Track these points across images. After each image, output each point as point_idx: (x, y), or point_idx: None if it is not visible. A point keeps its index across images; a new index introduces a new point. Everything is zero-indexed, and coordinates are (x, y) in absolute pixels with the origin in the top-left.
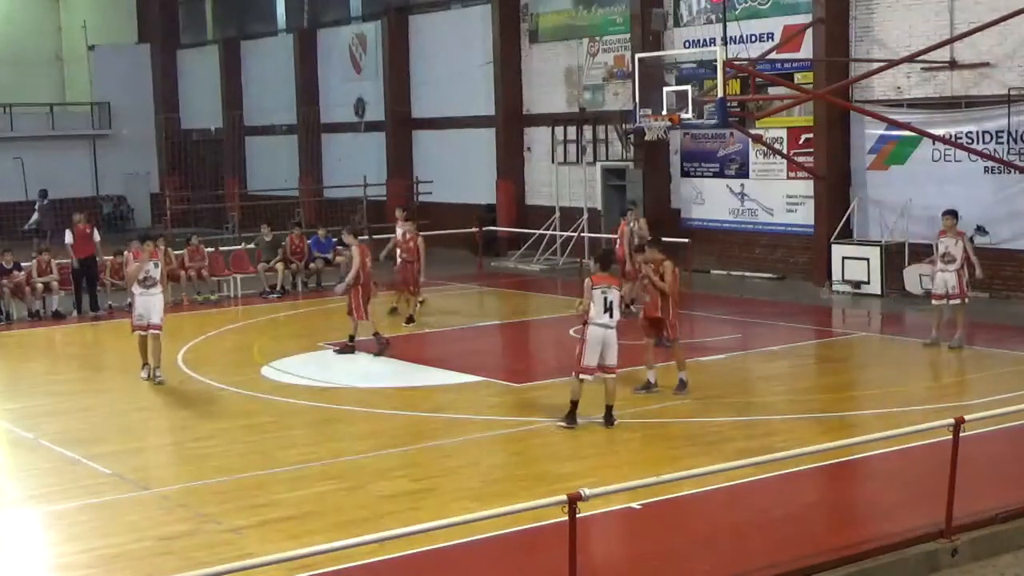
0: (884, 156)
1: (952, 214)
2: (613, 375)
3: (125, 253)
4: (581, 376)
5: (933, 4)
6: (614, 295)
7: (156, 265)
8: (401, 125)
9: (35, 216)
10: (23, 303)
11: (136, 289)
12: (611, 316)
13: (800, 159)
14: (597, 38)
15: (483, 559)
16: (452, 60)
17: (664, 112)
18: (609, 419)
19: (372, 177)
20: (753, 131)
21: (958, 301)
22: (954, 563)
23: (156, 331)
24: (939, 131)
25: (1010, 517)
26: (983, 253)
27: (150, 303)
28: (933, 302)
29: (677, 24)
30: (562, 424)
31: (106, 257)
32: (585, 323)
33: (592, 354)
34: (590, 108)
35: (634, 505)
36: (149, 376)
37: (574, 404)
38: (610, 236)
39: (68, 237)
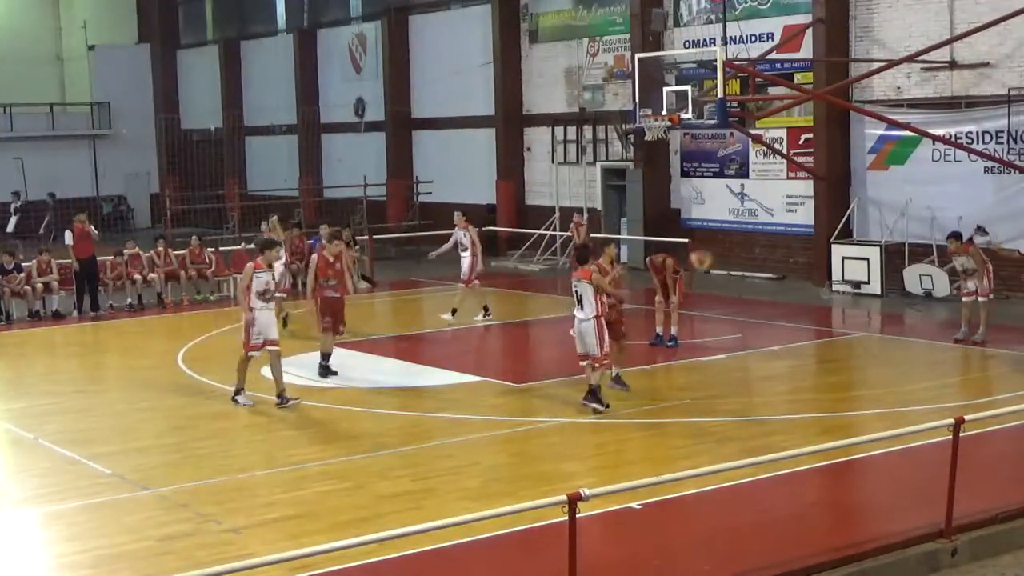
0: (884, 156)
1: (956, 236)
2: (586, 362)
3: (122, 253)
4: (581, 363)
5: (933, 4)
6: (583, 287)
7: (275, 276)
8: (401, 125)
9: (14, 219)
10: (23, 303)
11: (256, 303)
12: (580, 308)
13: (800, 159)
14: (597, 38)
15: (483, 559)
16: (452, 60)
17: (664, 112)
18: (595, 399)
19: (372, 177)
20: (753, 131)
21: (984, 299)
22: (954, 563)
23: (277, 347)
24: (939, 131)
25: (1010, 517)
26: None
27: (270, 319)
28: (963, 299)
29: (677, 24)
30: (596, 407)
31: (105, 257)
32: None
33: (578, 344)
34: (590, 108)
35: (634, 505)
36: (237, 399)
37: (591, 387)
38: (610, 236)
39: (68, 238)
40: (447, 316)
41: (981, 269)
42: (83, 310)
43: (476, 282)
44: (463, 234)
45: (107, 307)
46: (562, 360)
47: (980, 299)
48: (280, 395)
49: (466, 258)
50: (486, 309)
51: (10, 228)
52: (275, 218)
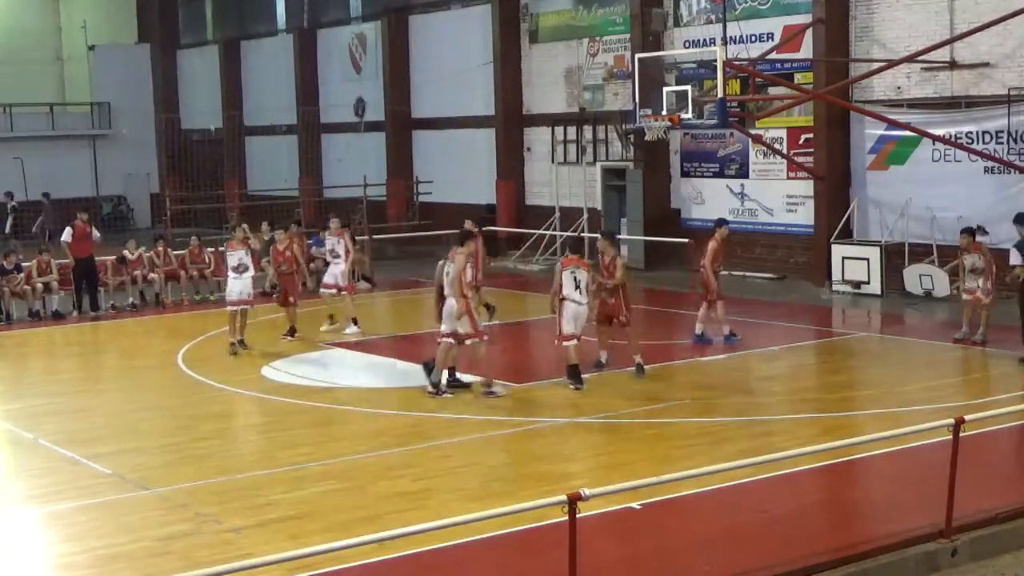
0: (884, 156)
1: (969, 232)
2: (574, 343)
3: (125, 260)
4: (565, 343)
5: (933, 4)
6: (582, 275)
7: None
8: (401, 125)
9: (10, 219)
10: (23, 303)
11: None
12: (581, 293)
13: (800, 159)
14: (597, 38)
15: (483, 559)
16: (452, 60)
17: (664, 112)
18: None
19: (372, 177)
20: (753, 131)
21: (986, 299)
22: (954, 563)
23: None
24: (939, 131)
25: (1010, 517)
26: None
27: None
28: (964, 297)
29: (677, 24)
30: (572, 386)
31: (106, 258)
32: (561, 300)
33: (569, 325)
34: (590, 108)
35: (634, 505)
36: (494, 391)
37: (574, 367)
38: (616, 237)
39: (66, 235)
40: (326, 327)
41: (988, 269)
42: (83, 310)
43: (349, 291)
44: (337, 241)
45: (107, 307)
46: (562, 360)
47: (982, 299)
48: (436, 385)
49: (338, 265)
50: (355, 320)
51: (7, 229)
52: (245, 226)
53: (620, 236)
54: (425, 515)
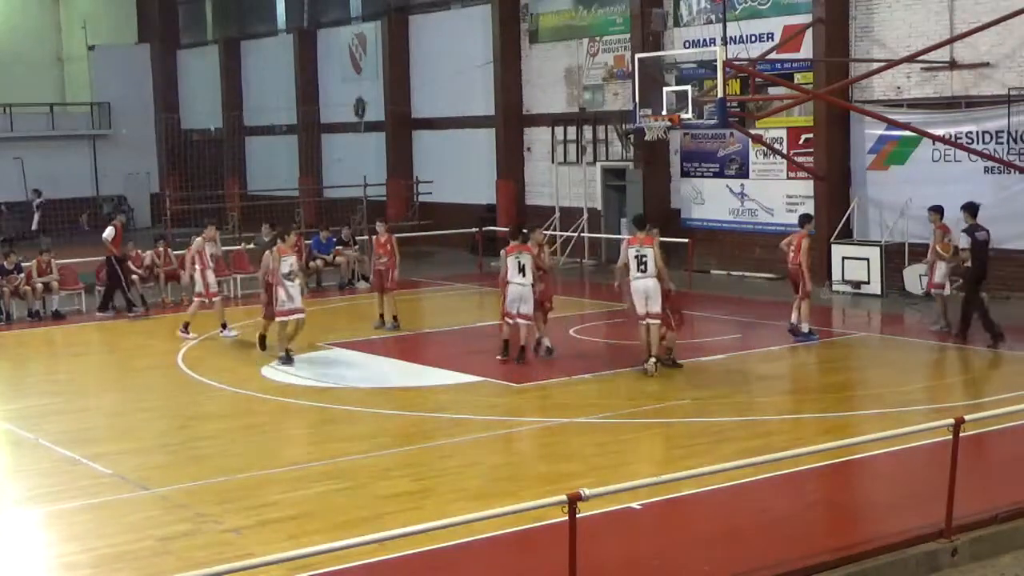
0: (884, 156)
1: (933, 209)
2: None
3: (126, 258)
4: (509, 321)
5: (933, 4)
6: (525, 259)
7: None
8: (401, 125)
9: (36, 215)
10: (23, 303)
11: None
12: (524, 275)
13: (800, 159)
14: (597, 38)
15: (483, 559)
16: (452, 60)
17: (664, 112)
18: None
19: (372, 177)
20: (753, 131)
21: (937, 291)
22: (954, 563)
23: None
24: (939, 131)
25: (1010, 517)
26: None
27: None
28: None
29: (677, 24)
30: (514, 360)
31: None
32: (506, 284)
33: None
34: (590, 108)
35: (634, 505)
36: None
37: (506, 342)
38: (616, 236)
39: (109, 234)
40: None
41: (932, 253)
42: (118, 307)
43: (217, 298)
44: (211, 245)
45: (111, 308)
46: (561, 360)
47: (934, 291)
48: (660, 358)
49: (210, 272)
50: (224, 325)
51: (34, 226)
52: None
53: (620, 236)
54: (425, 515)
